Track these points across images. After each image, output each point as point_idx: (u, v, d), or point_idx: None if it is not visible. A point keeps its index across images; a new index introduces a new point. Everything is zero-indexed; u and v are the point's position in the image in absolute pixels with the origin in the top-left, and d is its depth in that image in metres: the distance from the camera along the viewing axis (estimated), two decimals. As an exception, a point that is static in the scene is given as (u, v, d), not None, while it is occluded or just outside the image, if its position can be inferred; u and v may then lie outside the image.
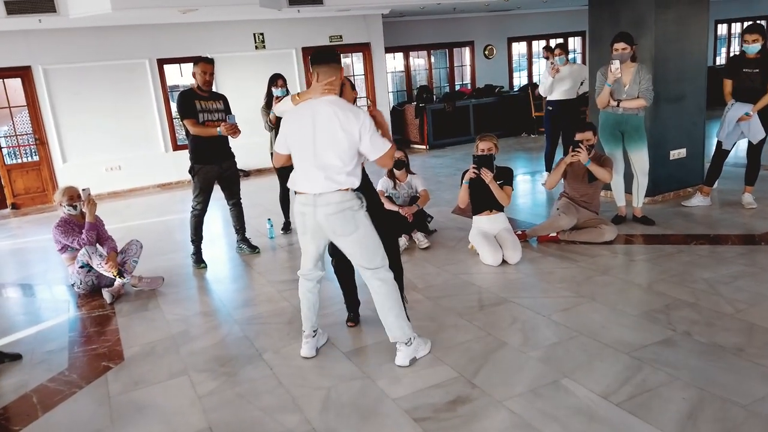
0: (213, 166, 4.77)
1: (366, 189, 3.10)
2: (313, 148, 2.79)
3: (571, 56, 13.99)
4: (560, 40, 13.58)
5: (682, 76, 5.44)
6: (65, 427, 2.67)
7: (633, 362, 2.76)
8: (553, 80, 6.49)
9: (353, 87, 3.32)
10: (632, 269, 4.05)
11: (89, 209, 4.29)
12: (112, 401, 2.85)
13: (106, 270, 4.21)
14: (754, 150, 5.02)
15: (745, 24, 14.20)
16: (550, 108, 6.74)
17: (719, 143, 5.11)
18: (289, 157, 2.96)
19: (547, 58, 8.10)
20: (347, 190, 2.81)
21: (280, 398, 2.73)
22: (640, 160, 4.84)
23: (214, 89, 4.87)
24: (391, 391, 2.71)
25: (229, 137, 4.75)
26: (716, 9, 14.14)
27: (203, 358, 3.21)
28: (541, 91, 6.74)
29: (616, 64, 4.56)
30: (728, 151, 5.13)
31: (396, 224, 4.91)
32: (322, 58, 2.86)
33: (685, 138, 5.60)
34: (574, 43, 14.31)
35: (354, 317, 3.49)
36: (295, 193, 2.90)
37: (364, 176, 3.10)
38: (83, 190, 4.32)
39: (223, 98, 4.88)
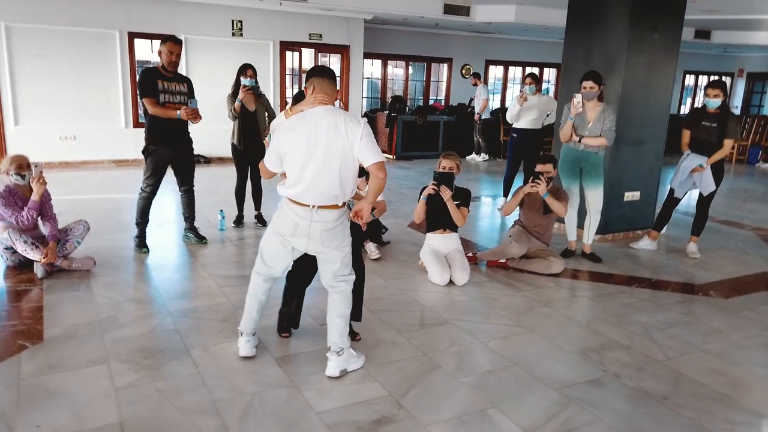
0: (168, 149, 4.62)
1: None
2: (315, 158, 2.70)
3: (544, 87, 14.37)
4: (536, 69, 13.84)
5: (644, 121, 5.58)
6: (-35, 406, 2.51)
7: (561, 399, 2.77)
8: (520, 108, 6.56)
9: None
10: (574, 305, 4.10)
11: (37, 187, 4.03)
12: (21, 383, 2.69)
13: (32, 255, 4.00)
14: (703, 201, 5.17)
15: (712, 77, 14.80)
16: (515, 135, 6.82)
17: (671, 190, 5.25)
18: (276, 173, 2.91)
19: (474, 85, 10.09)
20: (343, 205, 2.80)
21: (201, 399, 2.62)
22: (595, 197, 4.93)
23: (183, 72, 4.74)
24: (316, 403, 2.64)
25: (189, 122, 4.62)
26: (686, 60, 14.68)
27: (127, 348, 3.07)
28: (508, 117, 6.82)
29: (578, 98, 4.64)
30: (679, 200, 5.27)
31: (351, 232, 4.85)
32: (322, 72, 2.83)
33: (640, 181, 5.73)
34: (550, 74, 14.60)
35: (289, 329, 3.37)
36: (289, 200, 2.81)
37: None
38: (35, 165, 4.08)
39: (187, 81, 4.74)
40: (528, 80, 6.62)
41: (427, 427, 2.49)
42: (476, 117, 11.05)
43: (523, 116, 6.65)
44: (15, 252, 4.10)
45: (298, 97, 5.08)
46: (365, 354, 3.08)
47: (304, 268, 3.20)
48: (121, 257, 4.58)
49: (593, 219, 4.98)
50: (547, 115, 6.76)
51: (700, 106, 5.16)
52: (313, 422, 2.50)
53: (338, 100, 3.20)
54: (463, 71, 13.11)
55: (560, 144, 5.12)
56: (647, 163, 5.71)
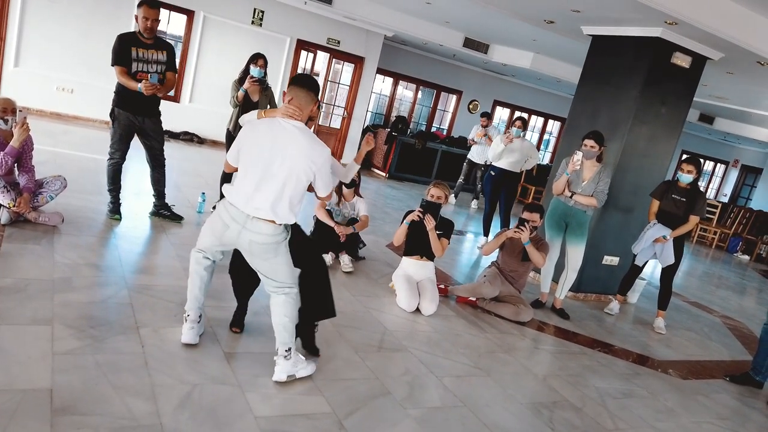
0: (133, 116, 4.46)
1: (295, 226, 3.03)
2: (266, 167, 2.64)
3: (545, 138, 14.52)
4: (540, 119, 14.00)
5: (637, 190, 5.63)
6: None
7: (504, 450, 2.71)
8: (504, 148, 6.61)
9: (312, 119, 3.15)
10: (534, 356, 4.07)
11: (18, 133, 3.90)
12: (-43, 329, 2.57)
13: (1, 199, 3.88)
14: (666, 275, 5.20)
15: (686, 155, 15.06)
16: (493, 173, 6.86)
17: (635, 257, 5.29)
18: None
19: (484, 126, 9.42)
20: (280, 224, 2.71)
21: (140, 381, 2.52)
22: (576, 255, 4.93)
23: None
24: (257, 407, 2.55)
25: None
26: (687, 140, 14.98)
27: (75, 313, 2.96)
28: (490, 155, 6.89)
29: (578, 156, 4.66)
30: (640, 267, 5.31)
31: (327, 241, 4.80)
32: (304, 83, 2.77)
33: (622, 247, 5.76)
34: (553, 126, 14.79)
35: (240, 323, 3.26)
36: (228, 201, 2.73)
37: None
38: (20, 110, 3.96)
39: (168, 48, 4.54)
40: (518, 123, 6.69)
41: (363, 454, 2.41)
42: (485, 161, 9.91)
43: (505, 156, 6.70)
44: (-17, 193, 3.97)
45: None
46: (318, 366, 3.01)
47: (245, 270, 3.02)
48: (91, 219, 4.47)
49: (569, 276, 4.98)
50: (527, 160, 6.82)
51: (672, 179, 5.21)
52: (249, 426, 2.41)
53: (315, 117, 3.13)
54: (470, 106, 13.21)
55: (551, 196, 5.13)
56: (631, 232, 5.74)
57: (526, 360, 3.91)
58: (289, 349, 2.80)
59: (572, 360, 4.09)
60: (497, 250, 4.70)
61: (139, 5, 4.29)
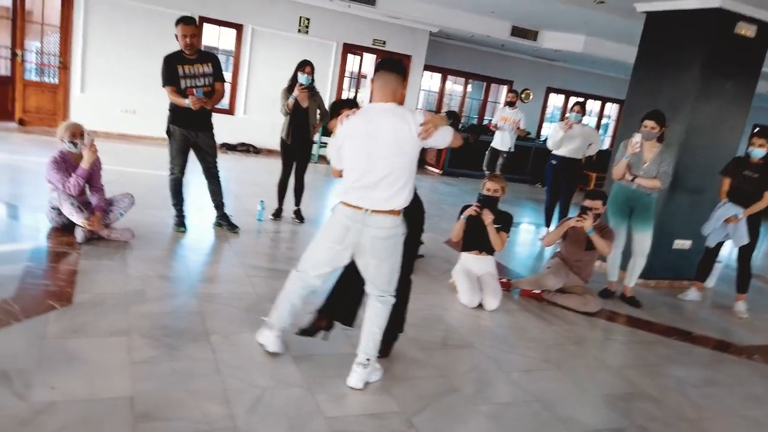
0: (187, 131, 4.59)
1: (416, 211, 2.97)
2: (371, 156, 2.61)
3: (604, 122, 14.02)
4: (597, 103, 13.55)
5: (706, 170, 5.34)
6: (-12, 356, 2.56)
7: (580, 445, 2.63)
8: (563, 135, 6.40)
9: None
10: (606, 347, 3.93)
11: (87, 155, 4.12)
12: (45, 343, 2.73)
13: (76, 218, 4.10)
14: (742, 256, 4.91)
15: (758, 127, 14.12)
16: (554, 162, 6.65)
17: (707, 239, 5.02)
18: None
19: (511, 103, 8.47)
20: (399, 213, 2.70)
21: (213, 386, 2.60)
22: (643, 240, 4.73)
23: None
24: (327, 408, 2.58)
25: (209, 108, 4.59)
26: (758, 114, 14.07)
27: (150, 323, 3.09)
28: (549, 143, 6.66)
29: (636, 138, 4.47)
30: (714, 250, 5.03)
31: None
32: (389, 67, 2.72)
33: (693, 230, 5.47)
34: (611, 109, 14.29)
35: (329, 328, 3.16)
36: (341, 203, 2.72)
37: (416, 197, 2.93)
38: (88, 134, 4.19)
39: (213, 60, 4.65)
40: (576, 108, 6.46)
41: (435, 452, 2.40)
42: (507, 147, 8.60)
43: (565, 144, 6.48)
44: (60, 213, 4.20)
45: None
46: (383, 366, 3.01)
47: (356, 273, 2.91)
48: (159, 233, 4.65)
49: (638, 262, 4.78)
50: (589, 146, 6.59)
51: (743, 155, 4.90)
52: (320, 427, 2.44)
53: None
54: (522, 95, 12.94)
55: (612, 181, 4.95)
56: (703, 213, 5.44)
57: (597, 351, 3.79)
58: (369, 360, 2.80)
59: (647, 349, 3.92)
60: (560, 240, 4.57)
61: (176, 24, 4.44)
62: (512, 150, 8.38)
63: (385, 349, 3.11)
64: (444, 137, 2.75)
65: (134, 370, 2.63)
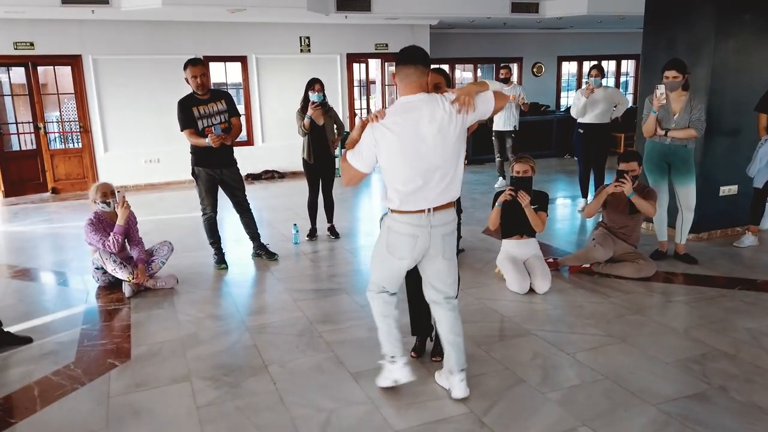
0: (212, 170, 4.66)
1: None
2: (421, 155, 2.43)
3: (622, 81, 13.68)
4: (612, 62, 13.23)
5: (738, 109, 5.12)
6: (60, 424, 2.62)
7: (660, 416, 2.53)
8: (586, 102, 6.23)
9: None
10: (669, 311, 3.79)
11: (121, 212, 4.21)
12: (110, 402, 2.78)
13: (121, 274, 4.19)
14: None
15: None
16: (581, 131, 6.48)
17: (753, 180, 4.81)
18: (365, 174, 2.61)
19: (505, 78, 8.00)
20: (455, 204, 2.60)
21: (279, 417, 2.61)
22: (687, 194, 4.57)
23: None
24: (394, 421, 2.55)
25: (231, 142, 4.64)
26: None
27: (208, 365, 3.12)
28: (573, 112, 6.49)
29: (660, 89, 4.32)
30: (764, 190, 4.83)
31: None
32: (406, 59, 2.48)
33: (737, 174, 5.26)
34: (628, 66, 13.92)
35: (420, 346, 3.18)
36: (392, 211, 2.54)
37: None
38: (118, 191, 4.28)
39: (225, 97, 4.70)
40: (594, 72, 6.29)
41: (512, 448, 2.34)
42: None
43: (590, 110, 6.32)
44: (105, 272, 4.30)
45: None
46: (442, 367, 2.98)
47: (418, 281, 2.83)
48: (202, 274, 4.72)
49: (686, 217, 4.62)
50: (615, 107, 6.40)
51: None
52: (391, 442, 2.41)
53: (440, 85, 2.90)
54: (534, 69, 12.74)
55: (643, 139, 4.79)
56: (744, 154, 5.23)
57: (660, 317, 3.66)
58: (465, 368, 2.71)
59: (712, 305, 3.77)
60: (600, 209, 4.44)
61: (185, 68, 4.51)
62: (517, 128, 7.99)
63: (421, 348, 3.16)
64: (487, 103, 2.52)
65: (201, 414, 2.65)
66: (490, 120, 7.47)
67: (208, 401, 2.76)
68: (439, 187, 2.48)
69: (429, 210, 2.49)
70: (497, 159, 8.28)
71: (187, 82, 4.54)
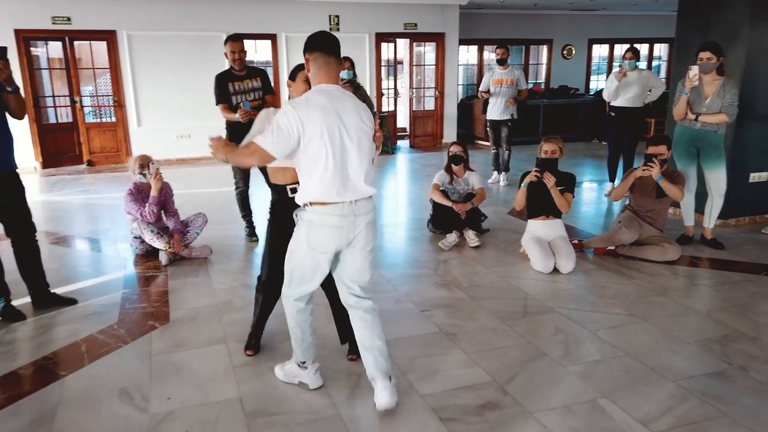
0: None
1: None
2: (345, 143, 2.31)
3: (655, 65, 13.43)
4: (645, 46, 12.99)
5: (774, 94, 5.07)
6: (107, 377, 2.79)
7: (679, 391, 2.61)
8: (618, 85, 6.18)
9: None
10: (692, 294, 3.83)
11: (154, 184, 4.37)
12: (153, 359, 2.95)
13: (158, 243, 4.36)
14: None
15: None
16: (612, 114, 6.45)
17: None
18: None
19: (502, 59, 7.05)
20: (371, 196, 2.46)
21: (311, 379, 2.74)
22: (717, 179, 4.56)
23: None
24: (420, 386, 2.67)
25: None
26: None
27: (243, 329, 3.26)
28: (605, 95, 6.45)
29: (694, 71, 4.30)
30: None
31: (448, 220, 4.85)
32: (331, 48, 2.40)
33: (768, 161, 5.23)
34: (661, 50, 13.67)
35: (355, 348, 2.71)
36: (310, 204, 2.34)
37: None
38: (152, 164, 4.44)
39: (261, 75, 4.78)
40: (628, 55, 6.22)
41: (534, 415, 2.44)
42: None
43: (622, 93, 6.27)
44: (143, 241, 4.49)
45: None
46: (467, 340, 3.08)
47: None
48: (234, 246, 4.87)
49: (715, 202, 4.61)
50: (649, 92, 6.34)
51: None
52: (417, 404, 2.53)
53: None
54: (564, 52, 12.59)
55: (674, 124, 4.78)
56: (776, 141, 5.19)
57: (683, 299, 3.70)
58: (391, 375, 2.49)
59: (736, 290, 3.80)
60: (627, 193, 4.47)
61: (225, 42, 4.62)
62: (515, 117, 7.12)
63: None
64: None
65: (237, 373, 2.81)
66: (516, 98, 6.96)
67: (243, 362, 2.91)
68: (362, 177, 2.36)
69: (353, 201, 2.34)
70: (492, 150, 7.38)
71: (226, 56, 4.64)
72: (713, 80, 4.41)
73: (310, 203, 2.34)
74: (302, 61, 2.50)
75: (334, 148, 2.29)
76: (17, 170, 3.43)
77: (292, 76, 2.83)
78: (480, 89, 7.37)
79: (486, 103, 7.31)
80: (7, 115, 3.35)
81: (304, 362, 2.66)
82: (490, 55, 12.53)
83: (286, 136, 2.25)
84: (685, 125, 4.59)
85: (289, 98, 2.62)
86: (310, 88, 2.45)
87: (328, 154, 2.28)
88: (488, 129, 7.38)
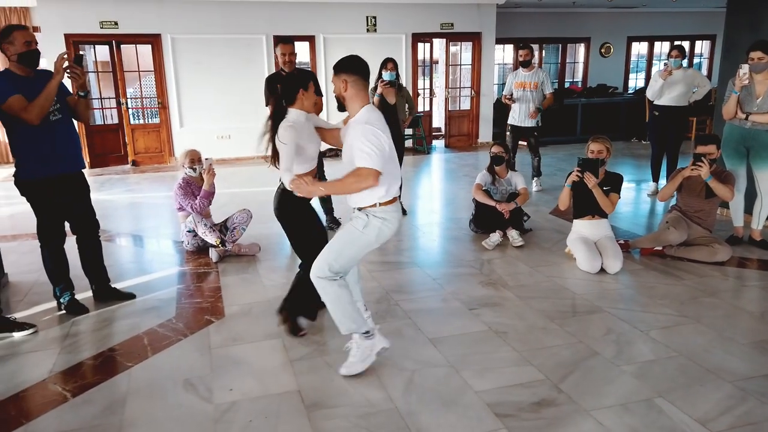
0: None
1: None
2: (393, 153, 2.72)
3: (695, 62, 13.15)
4: (686, 43, 12.73)
5: (826, 92, 4.93)
6: (171, 368, 2.91)
7: (737, 392, 2.59)
8: (663, 83, 6.09)
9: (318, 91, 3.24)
10: (744, 295, 3.78)
11: (207, 178, 4.53)
12: (212, 352, 3.06)
13: (210, 238, 4.49)
14: None
15: None
16: (656, 113, 6.35)
17: None
18: None
19: (525, 61, 6.66)
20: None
21: (366, 373, 2.80)
22: (766, 179, 4.47)
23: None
24: (474, 383, 2.71)
25: None
26: None
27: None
28: (649, 94, 6.35)
29: (744, 69, 4.23)
30: None
31: (491, 220, 4.87)
32: (366, 72, 2.75)
33: (821, 160, 5.08)
34: (702, 47, 13.37)
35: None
36: (379, 204, 2.69)
37: None
38: (206, 159, 4.59)
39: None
40: (674, 53, 6.10)
41: (590, 412, 2.46)
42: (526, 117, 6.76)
43: (666, 92, 6.17)
44: (195, 235, 4.63)
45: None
46: (517, 338, 3.11)
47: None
48: (279, 244, 4.98)
49: (765, 203, 4.53)
50: (695, 90, 6.23)
51: None
52: (473, 400, 2.57)
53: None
54: (602, 50, 12.44)
55: (722, 122, 4.71)
56: (830, 140, 5.05)
57: (735, 300, 3.66)
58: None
59: (790, 291, 3.73)
60: (675, 192, 4.42)
61: (275, 45, 4.75)
62: (540, 124, 6.72)
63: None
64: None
65: (294, 366, 2.89)
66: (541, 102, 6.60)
67: (299, 356, 2.99)
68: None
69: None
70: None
71: (276, 58, 4.78)
72: (765, 79, 4.33)
73: (379, 204, 2.68)
74: (339, 58, 2.79)
75: (392, 154, 2.69)
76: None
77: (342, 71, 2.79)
78: (503, 93, 7.00)
79: (508, 107, 6.92)
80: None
81: (368, 331, 2.81)
82: (525, 54, 12.45)
83: (385, 152, 2.60)
84: (735, 124, 4.52)
85: (334, 92, 2.80)
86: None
87: (394, 160, 2.70)
88: (507, 133, 6.95)
